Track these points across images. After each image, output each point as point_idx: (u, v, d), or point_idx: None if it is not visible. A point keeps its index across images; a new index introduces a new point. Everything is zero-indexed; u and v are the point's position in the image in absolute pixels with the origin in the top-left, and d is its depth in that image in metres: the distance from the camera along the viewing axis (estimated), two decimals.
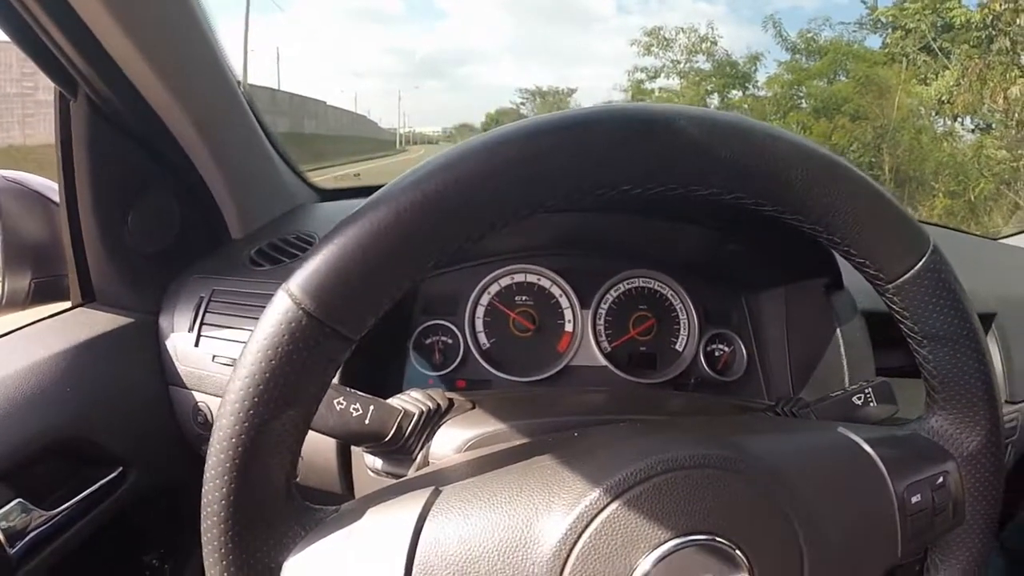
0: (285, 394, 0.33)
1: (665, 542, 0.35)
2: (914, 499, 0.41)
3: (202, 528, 0.34)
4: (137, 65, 0.65)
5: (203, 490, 0.34)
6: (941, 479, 0.42)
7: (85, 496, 0.67)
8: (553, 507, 0.35)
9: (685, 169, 0.36)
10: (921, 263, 0.40)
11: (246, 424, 0.33)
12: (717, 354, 0.86)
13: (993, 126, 7.52)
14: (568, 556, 0.34)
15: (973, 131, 7.83)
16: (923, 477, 0.42)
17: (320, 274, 0.33)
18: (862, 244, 0.39)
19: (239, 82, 0.82)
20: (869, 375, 0.73)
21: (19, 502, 0.61)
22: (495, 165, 0.33)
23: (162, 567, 0.87)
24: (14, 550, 0.60)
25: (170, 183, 0.81)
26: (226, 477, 0.33)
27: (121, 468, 0.72)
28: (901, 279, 0.40)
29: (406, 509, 0.36)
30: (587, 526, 0.35)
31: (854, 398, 0.55)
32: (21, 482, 0.62)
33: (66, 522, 0.65)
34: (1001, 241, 1.33)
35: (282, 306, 0.33)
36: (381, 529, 0.36)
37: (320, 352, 0.33)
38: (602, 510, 0.35)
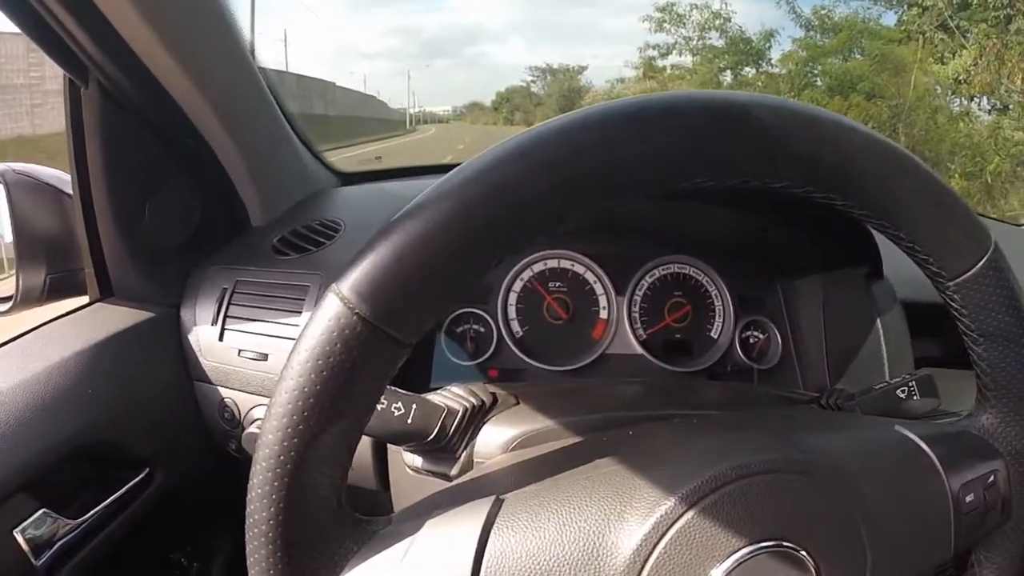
0: (337, 407, 0.31)
1: (738, 550, 0.34)
2: (968, 498, 0.41)
3: (248, 547, 0.32)
4: (152, 48, 0.61)
5: (248, 509, 0.32)
6: (992, 477, 0.42)
7: (112, 501, 0.65)
8: (626, 517, 0.34)
9: (761, 162, 0.35)
10: (983, 261, 0.39)
11: (295, 440, 0.30)
12: (752, 341, 0.84)
13: (1010, 107, 7.42)
14: (642, 569, 0.33)
15: (990, 111, 7.74)
16: (977, 476, 0.42)
17: (376, 276, 0.30)
18: (927, 240, 0.39)
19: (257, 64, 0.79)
20: (908, 366, 0.73)
21: (44, 512, 0.59)
22: (567, 154, 0.31)
23: (190, 565, 0.86)
24: (41, 561, 0.58)
25: (188, 171, 0.78)
26: (274, 496, 0.31)
27: (148, 469, 0.70)
28: (963, 277, 0.40)
29: (468, 521, 0.34)
30: (662, 537, 0.34)
31: (898, 391, 0.55)
32: (45, 491, 0.60)
33: (93, 529, 0.63)
34: None
35: (333, 310, 0.30)
36: (442, 544, 0.34)
37: (375, 361, 0.31)
38: (677, 520, 0.34)
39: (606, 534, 0.34)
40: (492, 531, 0.34)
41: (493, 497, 0.36)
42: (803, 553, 0.35)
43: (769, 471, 0.36)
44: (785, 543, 0.35)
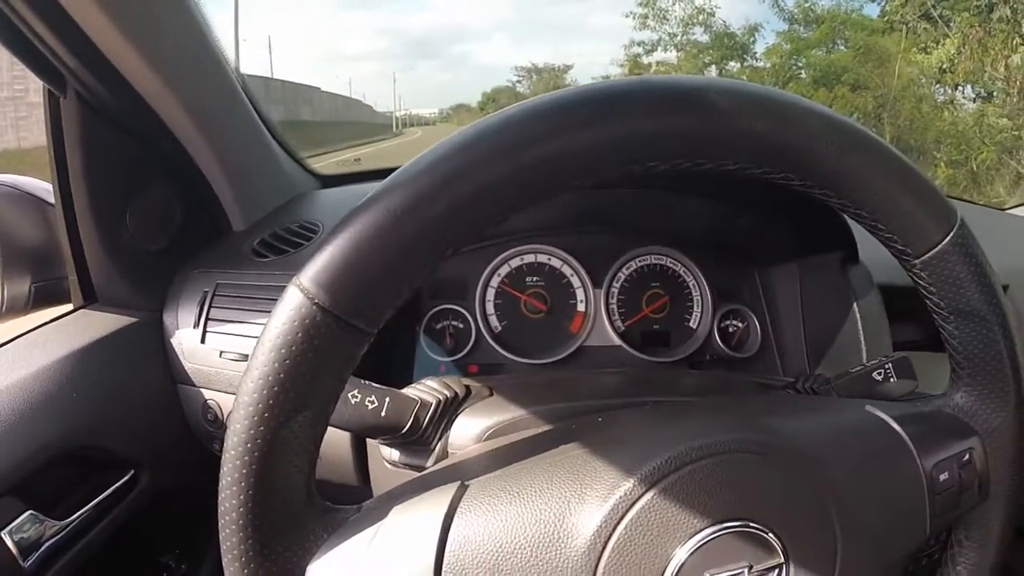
0: (301, 395, 0.31)
1: (700, 531, 0.34)
2: (942, 477, 0.41)
3: (221, 536, 0.33)
4: (126, 55, 0.62)
5: (220, 497, 0.33)
6: (967, 456, 0.42)
7: (98, 502, 0.66)
8: (586, 499, 0.34)
9: (716, 144, 0.34)
10: (948, 238, 0.39)
11: (261, 428, 0.31)
12: (731, 330, 0.85)
13: (995, 95, 7.44)
14: (603, 549, 0.33)
15: (974, 100, 7.75)
16: (950, 455, 0.42)
17: (334, 266, 0.31)
18: (890, 219, 0.39)
19: (235, 69, 0.79)
20: (886, 349, 0.73)
21: (31, 514, 0.60)
22: (516, 142, 0.32)
23: (179, 567, 0.86)
24: (28, 563, 0.58)
25: (167, 177, 0.79)
26: (243, 483, 0.32)
27: (133, 471, 0.70)
28: (928, 254, 0.39)
29: (432, 506, 0.35)
30: (622, 518, 0.34)
31: (874, 374, 0.55)
32: (32, 493, 0.60)
33: (80, 530, 0.64)
34: (1010, 212, 1.31)
35: (294, 301, 0.31)
36: (407, 528, 0.35)
37: (337, 349, 0.32)
38: (637, 500, 0.34)
39: (567, 516, 0.34)
40: (456, 515, 0.34)
41: (458, 483, 0.36)
42: (770, 534, 0.35)
43: (731, 451, 0.36)
44: (751, 524, 0.35)
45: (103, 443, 0.67)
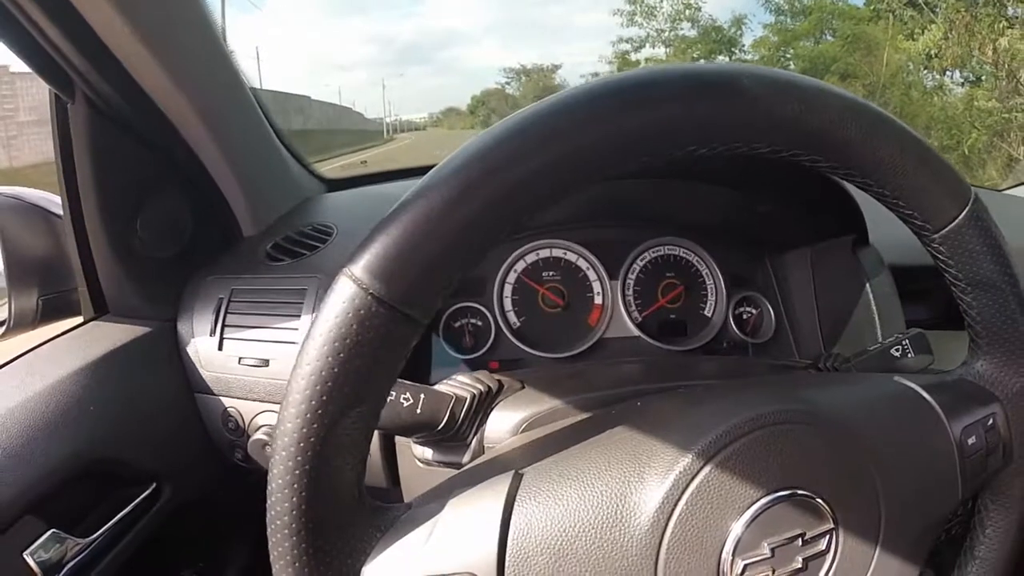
0: (355, 390, 0.31)
1: (756, 501, 0.36)
2: (970, 441, 0.43)
3: (270, 540, 0.32)
4: (139, 57, 0.61)
5: (269, 501, 0.32)
6: (991, 420, 0.44)
7: (121, 518, 0.64)
8: (645, 477, 0.35)
9: (749, 128, 0.36)
10: (965, 212, 0.41)
11: (314, 425, 0.30)
12: (745, 316, 0.86)
13: (983, 78, 7.49)
14: (667, 525, 0.34)
15: (963, 84, 7.81)
16: (976, 419, 0.44)
17: (388, 255, 0.30)
18: (911, 196, 0.40)
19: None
20: (900, 328, 0.74)
21: (53, 533, 0.58)
22: (567, 127, 0.32)
23: None
24: None
25: (177, 183, 0.77)
26: (295, 485, 0.31)
27: (155, 484, 0.69)
28: (947, 228, 0.41)
29: (490, 497, 0.35)
30: (683, 492, 0.35)
31: (892, 350, 0.57)
32: (53, 511, 0.59)
33: (104, 547, 0.63)
34: (1006, 192, 1.35)
35: (347, 292, 0.30)
36: (466, 521, 0.34)
37: (392, 341, 0.31)
38: (696, 475, 0.35)
39: (628, 495, 0.35)
40: (515, 504, 0.34)
41: (512, 472, 0.36)
42: (819, 500, 0.37)
43: (779, 422, 0.37)
44: (800, 491, 0.36)
45: (123, 456, 0.66)
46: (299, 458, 0.30)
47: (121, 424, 0.67)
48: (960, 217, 0.41)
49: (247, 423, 0.72)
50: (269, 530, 0.32)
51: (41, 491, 0.58)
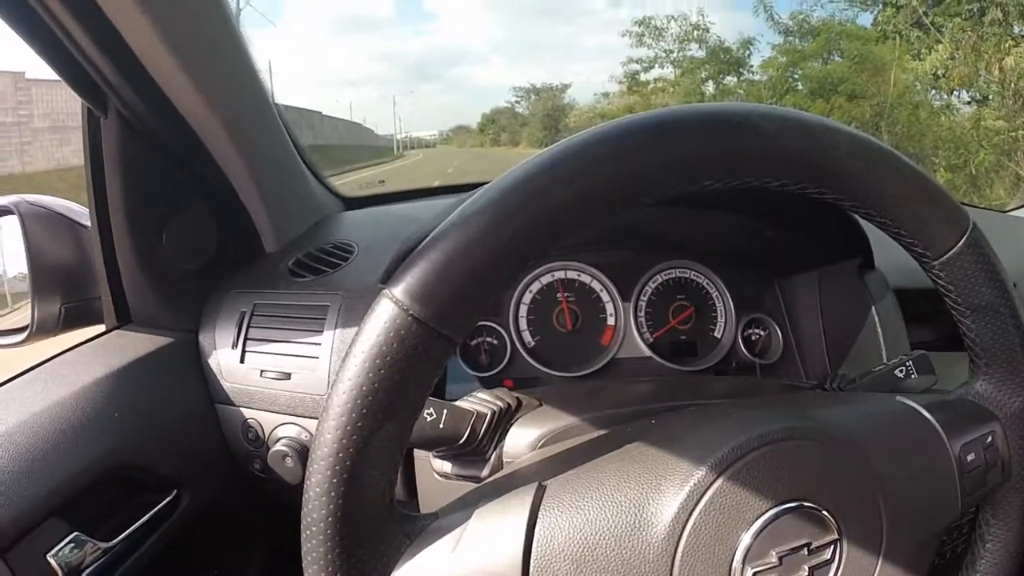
0: (393, 403, 0.33)
1: (765, 512, 0.37)
2: (969, 457, 0.44)
3: (304, 548, 0.34)
4: (172, 74, 0.63)
5: (304, 509, 0.33)
6: (990, 438, 0.46)
7: (142, 523, 0.66)
8: (662, 489, 0.37)
9: (761, 163, 0.38)
10: (964, 239, 0.43)
11: (354, 437, 0.32)
12: (754, 338, 0.88)
13: (990, 98, 7.51)
14: (681, 534, 0.36)
15: (970, 103, 7.83)
16: (975, 437, 0.45)
17: (428, 280, 0.33)
18: (912, 225, 0.42)
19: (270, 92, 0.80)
20: (904, 349, 0.76)
21: (76, 535, 0.60)
22: (592, 164, 0.34)
23: None
24: None
25: (203, 198, 0.79)
26: (332, 493, 0.33)
27: (175, 491, 0.70)
28: (947, 255, 0.43)
29: (515, 508, 0.37)
30: (697, 503, 0.36)
31: (896, 371, 0.58)
32: (76, 515, 0.60)
33: (125, 551, 0.64)
34: (1011, 213, 1.35)
35: (388, 313, 0.32)
36: (492, 531, 0.36)
37: (428, 358, 0.33)
38: (709, 487, 0.37)
39: (646, 506, 0.36)
40: (539, 514, 0.36)
41: (536, 484, 0.38)
42: (824, 512, 0.39)
43: (788, 438, 0.39)
44: (806, 503, 0.38)
45: (144, 463, 0.68)
46: (337, 467, 0.32)
47: (143, 431, 0.68)
48: (959, 245, 0.43)
49: (267, 435, 0.74)
50: (304, 536, 0.34)
51: (66, 494, 0.59)
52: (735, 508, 0.37)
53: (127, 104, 0.65)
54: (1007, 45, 7.06)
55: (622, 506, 0.37)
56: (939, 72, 7.64)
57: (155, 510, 0.67)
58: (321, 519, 0.33)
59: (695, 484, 0.37)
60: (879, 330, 0.75)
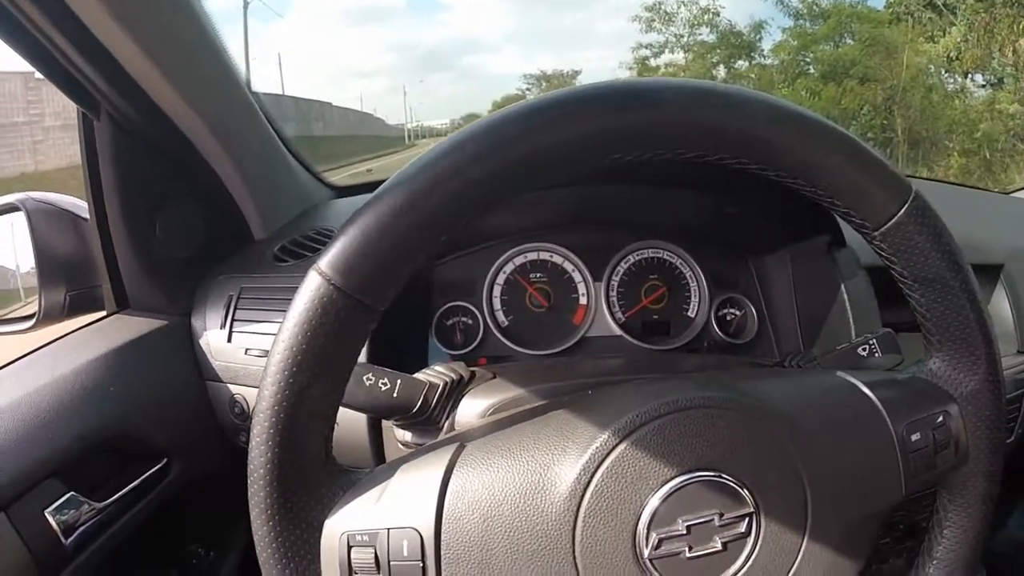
0: (320, 362, 0.36)
1: (671, 479, 0.38)
2: (913, 437, 0.43)
3: (249, 492, 0.37)
4: (156, 82, 0.68)
5: (249, 456, 0.37)
6: (941, 418, 0.44)
7: (133, 487, 0.71)
8: (567, 452, 0.39)
9: (669, 134, 0.38)
10: (904, 209, 0.41)
11: (286, 391, 0.36)
12: (728, 318, 0.88)
13: (1004, 80, 7.36)
14: (583, 495, 0.37)
15: (984, 86, 7.67)
16: (922, 416, 0.43)
17: (346, 253, 0.36)
18: (845, 195, 0.41)
19: (251, 90, 0.85)
20: (876, 328, 0.73)
21: (72, 495, 0.65)
22: (495, 144, 0.36)
23: (207, 555, 0.91)
24: (69, 540, 0.64)
25: (193, 191, 0.84)
26: (270, 442, 0.36)
27: (166, 459, 0.76)
28: (886, 226, 0.42)
29: (434, 464, 0.40)
30: (599, 466, 0.38)
31: (859, 349, 0.57)
32: (74, 477, 0.66)
33: (116, 513, 0.69)
34: (1013, 195, 1.33)
35: (313, 284, 0.36)
36: (412, 483, 0.39)
37: (349, 322, 0.36)
38: (611, 451, 0.38)
39: (550, 467, 0.38)
40: (454, 470, 0.39)
41: (456, 444, 0.41)
42: (738, 484, 0.39)
43: (698, 407, 0.40)
44: (716, 473, 0.39)
45: (137, 433, 0.73)
46: (274, 418, 0.36)
47: (138, 405, 0.74)
48: (900, 213, 0.41)
49: (251, 409, 0.78)
50: (249, 482, 0.37)
51: (64, 459, 0.65)
52: (639, 473, 0.38)
53: (116, 108, 0.70)
54: (1021, 27, 6.91)
55: (529, 466, 0.38)
56: (952, 55, 7.50)
57: (145, 476, 0.73)
58: (261, 466, 0.37)
59: (598, 447, 0.38)
60: (848, 308, 0.75)
